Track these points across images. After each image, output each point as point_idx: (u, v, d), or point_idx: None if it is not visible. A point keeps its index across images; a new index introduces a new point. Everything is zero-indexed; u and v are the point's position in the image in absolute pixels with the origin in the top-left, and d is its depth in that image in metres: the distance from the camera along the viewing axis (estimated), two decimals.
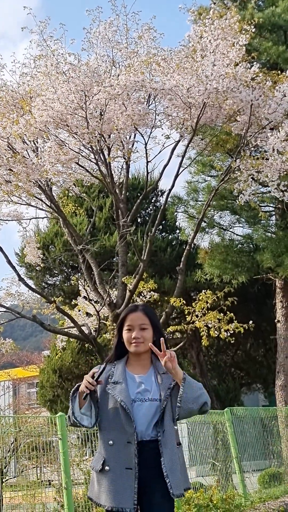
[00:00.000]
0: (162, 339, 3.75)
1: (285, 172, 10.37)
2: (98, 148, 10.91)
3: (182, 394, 3.64)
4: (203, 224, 16.64)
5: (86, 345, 18.37)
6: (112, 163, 11.87)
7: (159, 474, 3.65)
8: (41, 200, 12.77)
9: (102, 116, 10.23)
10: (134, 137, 11.53)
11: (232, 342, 12.03)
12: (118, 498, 3.54)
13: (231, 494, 8.62)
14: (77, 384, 3.77)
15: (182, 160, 12.01)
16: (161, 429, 3.66)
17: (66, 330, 13.97)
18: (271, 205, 17.08)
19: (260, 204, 16.28)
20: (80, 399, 3.69)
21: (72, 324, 12.86)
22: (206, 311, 11.79)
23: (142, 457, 3.63)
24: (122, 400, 3.65)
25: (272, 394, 21.18)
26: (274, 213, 17.37)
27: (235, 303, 11.77)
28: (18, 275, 12.75)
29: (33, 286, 16.67)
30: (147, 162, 11.38)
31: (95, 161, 11.20)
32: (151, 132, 11.10)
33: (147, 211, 23.43)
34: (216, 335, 11.70)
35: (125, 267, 12.55)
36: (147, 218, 22.33)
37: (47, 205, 12.72)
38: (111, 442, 3.66)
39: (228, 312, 11.58)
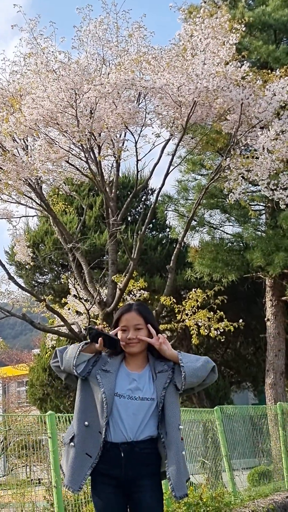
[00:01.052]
0: (148, 324, 3.76)
1: (274, 171, 10.40)
2: (88, 146, 10.90)
3: (182, 359, 3.67)
4: (193, 222, 16.65)
5: (76, 343, 18.35)
6: (103, 161, 11.86)
7: (149, 473, 3.66)
8: (31, 199, 12.75)
9: (92, 115, 10.22)
10: (125, 136, 11.53)
11: (222, 340, 12.06)
12: (70, 477, 3.61)
13: (221, 492, 8.63)
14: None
15: (172, 159, 12.03)
16: (163, 431, 3.65)
17: (56, 328, 13.95)
18: (261, 203, 17.11)
19: (250, 203, 16.29)
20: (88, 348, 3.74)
21: (62, 323, 12.84)
22: (196, 310, 11.81)
23: (130, 456, 3.62)
24: (104, 392, 3.62)
25: (262, 392, 21.22)
26: (264, 211, 17.42)
27: (225, 302, 11.80)
28: (8, 273, 12.72)
29: (23, 285, 16.63)
30: (137, 160, 11.40)
31: (85, 160, 11.19)
32: (141, 131, 11.13)
33: (137, 209, 23.43)
34: (206, 334, 11.72)
35: (115, 266, 12.55)
36: (137, 216, 22.34)
37: (37, 204, 12.69)
38: (86, 423, 3.66)
39: (218, 311, 11.60)
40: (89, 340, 3.75)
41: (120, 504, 3.67)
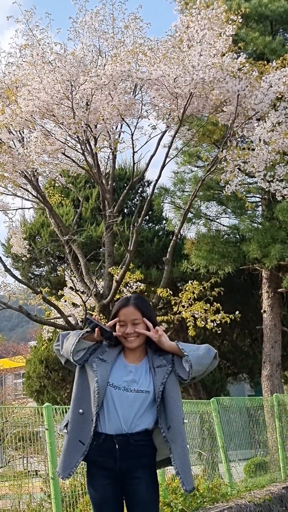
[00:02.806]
0: (144, 318, 3.75)
1: (271, 163, 10.39)
2: (85, 138, 10.88)
3: (183, 349, 3.66)
4: (190, 214, 16.65)
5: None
6: (99, 153, 11.84)
7: (144, 465, 3.67)
8: (27, 191, 12.73)
9: (88, 106, 10.20)
10: (121, 128, 11.51)
11: (218, 332, 12.10)
12: (61, 463, 3.64)
13: (217, 483, 8.66)
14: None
15: (168, 151, 12.01)
16: (164, 425, 3.64)
17: (52, 320, 13.96)
18: (258, 195, 17.11)
19: (247, 195, 16.31)
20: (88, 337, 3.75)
21: (58, 315, 12.85)
22: (193, 302, 11.83)
23: (124, 448, 3.62)
24: (97, 381, 3.63)
25: (258, 384, 21.28)
26: (260, 203, 17.41)
27: (221, 294, 11.81)
28: (4, 265, 12.71)
29: (19, 277, 16.64)
30: (134, 152, 11.38)
31: (81, 152, 11.17)
32: (137, 123, 11.11)
33: (133, 201, 23.40)
34: (203, 326, 11.74)
35: (112, 258, 12.54)
36: (133, 208, 22.30)
37: (33, 196, 12.68)
38: (81, 411, 3.67)
39: (214, 303, 11.63)
40: (89, 329, 3.76)
41: (116, 495, 3.67)
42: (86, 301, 12.51)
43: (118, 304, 3.86)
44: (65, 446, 3.65)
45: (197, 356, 3.66)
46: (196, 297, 11.89)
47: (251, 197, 17.24)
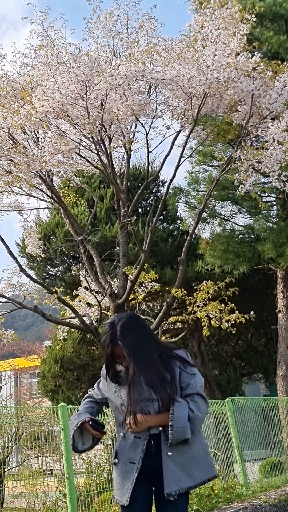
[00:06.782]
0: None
1: (285, 162, 10.35)
2: (99, 138, 10.89)
3: (172, 425, 3.62)
4: (204, 214, 16.64)
5: (88, 335, 18.43)
6: (113, 153, 11.85)
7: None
8: (42, 191, 12.76)
9: (103, 106, 10.21)
10: (135, 127, 11.51)
11: (233, 332, 12.06)
12: (119, 492, 3.67)
13: (233, 484, 8.65)
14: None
15: (183, 151, 11.99)
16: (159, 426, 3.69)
17: (67, 320, 13.99)
18: (272, 195, 17.07)
19: (261, 195, 16.28)
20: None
21: (73, 315, 12.88)
22: (207, 302, 11.81)
23: (152, 448, 3.68)
24: (122, 397, 3.74)
25: (273, 384, 21.24)
26: (275, 203, 17.37)
27: (236, 294, 11.78)
28: (19, 265, 12.75)
29: (34, 277, 16.70)
30: (148, 152, 11.36)
31: (96, 152, 11.18)
32: (152, 122, 11.08)
33: (148, 201, 23.41)
34: (217, 325, 11.73)
35: (126, 258, 12.55)
36: (148, 208, 22.31)
37: (48, 196, 12.71)
38: (122, 434, 3.75)
39: (229, 303, 11.60)
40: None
41: (146, 492, 3.71)
42: (101, 301, 12.54)
43: (110, 344, 3.75)
44: (120, 475, 3.69)
45: (181, 430, 3.64)
46: (210, 297, 11.88)
47: (266, 196, 17.21)
